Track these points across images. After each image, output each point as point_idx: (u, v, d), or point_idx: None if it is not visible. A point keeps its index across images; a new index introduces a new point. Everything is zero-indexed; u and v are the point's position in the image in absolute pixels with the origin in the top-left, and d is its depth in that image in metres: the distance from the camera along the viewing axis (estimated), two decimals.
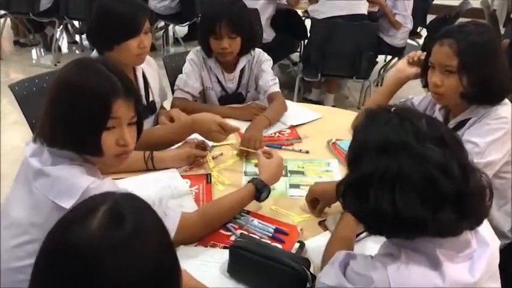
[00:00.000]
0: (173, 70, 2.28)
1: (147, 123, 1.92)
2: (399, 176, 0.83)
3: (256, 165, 1.56)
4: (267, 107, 2.03)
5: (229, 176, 1.64)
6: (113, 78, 1.08)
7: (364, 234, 1.33)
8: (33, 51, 5.42)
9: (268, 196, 1.43)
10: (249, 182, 1.43)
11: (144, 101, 1.89)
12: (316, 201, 1.44)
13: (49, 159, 1.11)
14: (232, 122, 1.67)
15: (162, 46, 5.53)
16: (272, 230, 1.36)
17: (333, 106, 3.97)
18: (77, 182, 1.08)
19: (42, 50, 5.40)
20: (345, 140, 1.86)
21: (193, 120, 1.56)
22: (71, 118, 1.08)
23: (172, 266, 0.77)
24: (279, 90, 2.09)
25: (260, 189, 1.40)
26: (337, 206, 1.40)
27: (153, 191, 1.48)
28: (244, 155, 1.74)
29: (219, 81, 2.14)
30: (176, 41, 5.49)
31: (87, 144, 1.09)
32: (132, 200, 0.78)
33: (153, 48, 5.42)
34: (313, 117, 2.08)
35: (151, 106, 1.94)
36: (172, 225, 1.22)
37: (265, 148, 1.60)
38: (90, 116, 1.07)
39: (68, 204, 1.03)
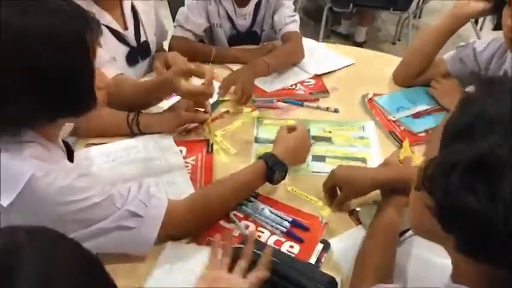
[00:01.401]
0: (177, 2, 1.86)
1: (139, 69, 1.57)
2: None
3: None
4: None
5: (236, 142, 1.29)
6: (84, 14, 0.83)
7: (409, 233, 1.00)
8: None
9: (284, 177, 1.10)
10: (259, 158, 1.09)
11: (134, 42, 1.51)
12: (335, 190, 1.09)
13: None
14: None
15: None
16: (288, 224, 1.04)
17: (364, 42, 3.55)
18: (17, 169, 0.79)
19: None
20: (385, 95, 1.49)
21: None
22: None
23: None
24: (297, 30, 1.66)
25: (271, 167, 1.06)
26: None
27: (135, 166, 1.16)
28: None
29: (228, 17, 1.73)
30: None
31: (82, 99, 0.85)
32: (38, 238, 0.49)
33: None
34: (345, 63, 1.68)
35: (143, 47, 1.56)
36: (156, 220, 0.93)
37: (290, 125, 1.20)
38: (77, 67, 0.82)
39: (5, 201, 0.79)
